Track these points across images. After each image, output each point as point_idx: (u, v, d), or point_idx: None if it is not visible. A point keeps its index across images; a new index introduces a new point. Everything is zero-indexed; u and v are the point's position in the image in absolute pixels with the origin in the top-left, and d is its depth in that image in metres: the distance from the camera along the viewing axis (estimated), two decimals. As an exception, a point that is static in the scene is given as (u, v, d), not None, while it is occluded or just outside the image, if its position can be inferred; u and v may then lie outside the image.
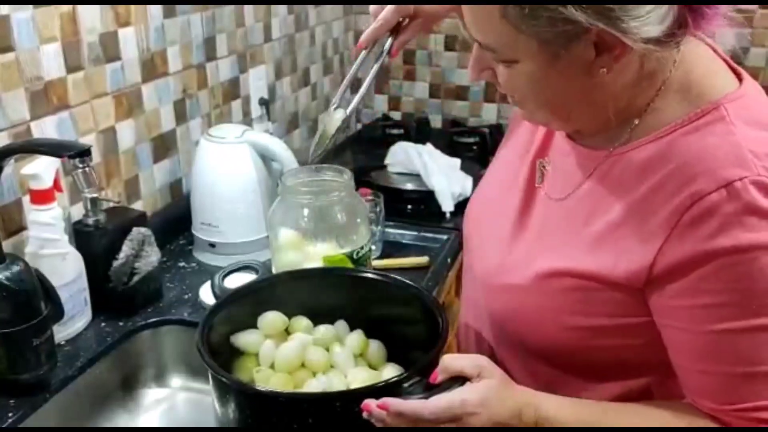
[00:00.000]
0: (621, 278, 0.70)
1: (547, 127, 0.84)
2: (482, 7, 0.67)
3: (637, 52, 0.65)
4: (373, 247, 1.36)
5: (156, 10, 1.34)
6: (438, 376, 0.71)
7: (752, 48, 1.94)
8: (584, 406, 0.73)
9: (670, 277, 0.67)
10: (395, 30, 0.93)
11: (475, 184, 1.66)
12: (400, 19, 0.92)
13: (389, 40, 0.92)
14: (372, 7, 0.93)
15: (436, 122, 2.31)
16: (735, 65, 0.74)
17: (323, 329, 0.92)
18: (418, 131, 2.18)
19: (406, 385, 0.71)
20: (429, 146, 1.82)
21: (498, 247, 0.84)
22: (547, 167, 0.83)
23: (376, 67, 0.94)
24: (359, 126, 2.31)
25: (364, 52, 0.94)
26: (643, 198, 0.69)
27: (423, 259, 1.38)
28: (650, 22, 0.61)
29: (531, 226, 0.82)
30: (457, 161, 1.77)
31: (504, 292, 0.81)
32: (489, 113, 2.25)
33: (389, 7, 0.90)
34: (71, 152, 0.91)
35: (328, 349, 0.89)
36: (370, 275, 0.96)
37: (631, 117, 0.72)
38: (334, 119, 0.96)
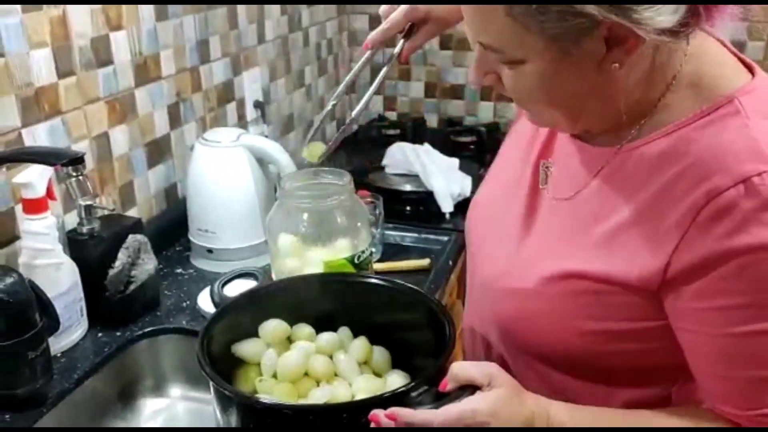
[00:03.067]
0: (635, 280, 0.68)
1: (555, 129, 0.81)
2: (486, 8, 0.64)
3: (648, 45, 0.63)
4: (374, 250, 1.34)
5: (148, 13, 1.32)
6: (447, 384, 0.69)
7: (749, 42, 1.93)
8: (598, 413, 0.71)
9: (686, 278, 0.65)
10: (407, 33, 0.91)
11: (474, 183, 1.65)
12: (411, 24, 0.90)
13: (400, 43, 0.90)
14: (382, 8, 0.90)
15: (432, 122, 2.29)
16: (746, 58, 0.72)
17: (326, 337, 0.90)
18: (415, 131, 2.16)
19: (414, 394, 0.69)
20: (427, 146, 1.81)
21: (503, 250, 0.82)
22: (551, 168, 0.81)
23: (384, 70, 0.92)
24: (355, 127, 2.29)
25: (369, 53, 0.92)
26: (656, 196, 0.67)
27: (424, 262, 1.36)
28: (664, 12, 0.59)
29: (536, 228, 0.80)
30: (456, 161, 1.75)
31: (511, 297, 0.79)
32: (485, 112, 2.24)
33: (400, 10, 0.88)
34: (64, 160, 0.89)
35: (331, 357, 0.87)
36: (372, 280, 0.94)
37: (642, 113, 0.70)
38: (313, 152, 0.94)
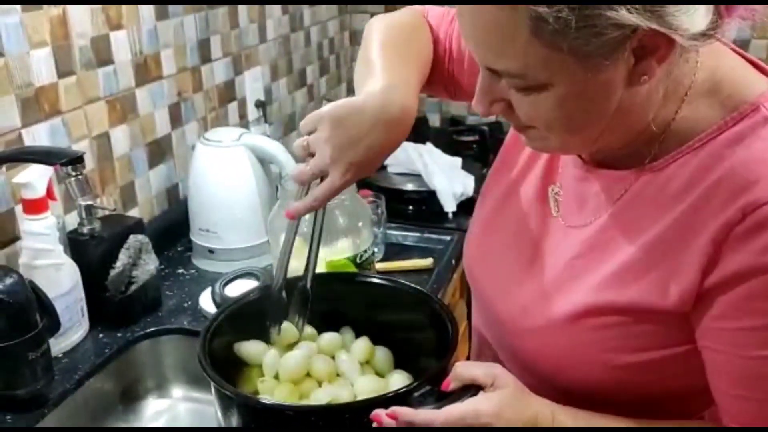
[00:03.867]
0: (671, 305, 0.64)
1: (562, 153, 0.76)
2: (506, 27, 0.58)
3: (674, 57, 0.60)
4: (376, 250, 1.33)
5: (148, 12, 1.32)
6: (450, 384, 0.68)
7: (753, 40, 1.92)
8: (602, 418, 0.69)
9: (716, 293, 0.62)
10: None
11: (477, 183, 1.64)
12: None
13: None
14: (294, 172, 0.79)
15: (434, 121, 2.28)
16: (757, 61, 0.69)
17: (328, 337, 0.89)
18: (417, 130, 2.14)
19: (416, 394, 0.68)
20: (429, 146, 1.80)
21: (517, 287, 0.77)
22: (560, 194, 0.77)
23: (315, 239, 0.83)
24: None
25: (295, 222, 0.82)
26: (686, 214, 0.64)
27: (427, 261, 1.35)
28: (698, 15, 0.57)
29: (551, 259, 0.75)
30: (458, 160, 1.75)
31: (533, 336, 0.74)
32: (488, 111, 2.23)
33: (327, 188, 0.76)
34: (63, 160, 0.88)
35: (333, 357, 0.87)
36: (375, 280, 0.93)
37: (659, 129, 0.66)
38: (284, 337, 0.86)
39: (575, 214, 0.74)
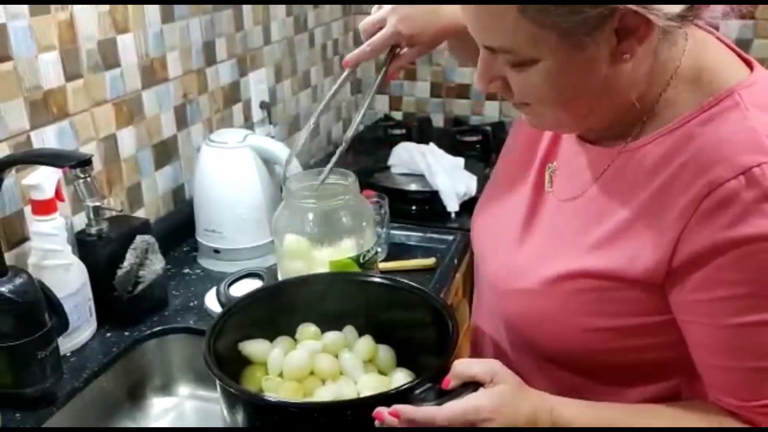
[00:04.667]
0: (639, 275, 0.68)
1: (558, 131, 0.82)
2: (496, 8, 0.63)
3: (653, 38, 0.64)
4: (379, 250, 1.35)
5: (154, 15, 1.33)
6: (450, 382, 0.69)
7: (755, 39, 1.92)
8: (603, 408, 0.71)
9: (688, 269, 0.65)
10: (390, 52, 0.90)
11: (480, 183, 1.65)
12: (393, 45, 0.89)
13: (385, 64, 0.89)
14: (363, 23, 0.89)
15: (438, 121, 2.29)
16: (744, 54, 0.73)
17: (331, 336, 0.90)
18: (420, 131, 2.16)
19: (417, 391, 0.69)
20: (432, 146, 1.81)
21: (507, 252, 0.82)
22: (555, 171, 0.82)
23: (373, 89, 0.90)
24: (361, 127, 2.30)
25: (348, 70, 0.91)
26: (658, 191, 0.68)
27: (429, 261, 1.36)
28: None
29: (540, 229, 0.80)
30: (461, 160, 1.76)
31: (517, 297, 0.79)
32: (491, 111, 2.24)
33: (382, 33, 0.86)
34: (72, 162, 0.90)
35: (336, 356, 0.88)
36: (377, 279, 0.95)
37: (644, 110, 0.71)
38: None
39: (566, 187, 0.79)
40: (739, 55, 0.72)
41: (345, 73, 0.91)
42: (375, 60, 0.93)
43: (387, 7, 0.87)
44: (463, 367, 0.69)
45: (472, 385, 0.68)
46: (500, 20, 0.64)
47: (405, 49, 0.91)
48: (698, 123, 0.67)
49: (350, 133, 0.93)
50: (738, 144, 0.64)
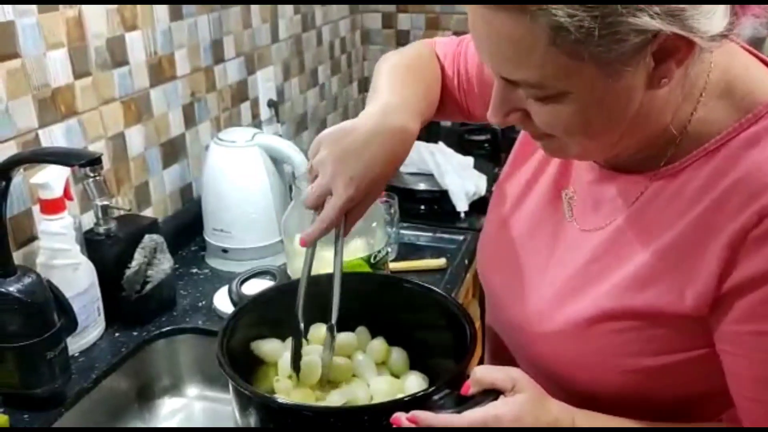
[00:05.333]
0: (688, 309, 0.64)
1: (580, 160, 0.75)
2: (523, 37, 0.57)
3: (693, 59, 0.60)
4: (389, 249, 1.34)
5: (162, 13, 1.32)
6: (470, 388, 0.67)
7: None
8: (627, 423, 0.69)
9: (733, 298, 0.62)
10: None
11: (489, 182, 1.64)
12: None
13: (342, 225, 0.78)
14: (306, 200, 0.77)
15: (445, 120, 2.27)
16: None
17: (344, 337, 0.89)
18: (428, 129, 2.13)
19: (436, 397, 0.68)
20: (441, 145, 1.80)
21: (532, 291, 0.76)
22: (574, 198, 0.77)
23: (339, 257, 0.81)
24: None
25: (310, 250, 0.81)
26: (701, 218, 0.63)
27: (440, 261, 1.35)
28: (718, 15, 0.57)
29: (565, 263, 0.74)
30: (470, 160, 1.74)
31: (548, 341, 0.74)
32: (499, 110, 2.22)
33: (333, 206, 0.74)
34: (82, 161, 0.89)
35: (349, 357, 0.87)
36: (390, 280, 0.93)
37: (675, 132, 0.66)
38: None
39: (590, 217, 0.74)
40: (765, 62, 0.68)
41: (309, 252, 0.81)
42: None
43: (323, 174, 0.75)
44: (484, 373, 0.67)
45: (492, 392, 0.66)
46: (528, 53, 0.57)
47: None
48: (741, 144, 0.63)
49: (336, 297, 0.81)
50: None
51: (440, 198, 1.62)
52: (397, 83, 0.84)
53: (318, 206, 0.76)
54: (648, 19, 0.54)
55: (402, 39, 2.22)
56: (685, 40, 0.57)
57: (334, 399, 0.81)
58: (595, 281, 0.70)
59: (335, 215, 0.74)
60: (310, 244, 0.79)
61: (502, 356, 0.86)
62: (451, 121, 1.00)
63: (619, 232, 0.70)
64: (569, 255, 0.75)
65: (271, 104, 1.71)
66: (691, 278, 0.64)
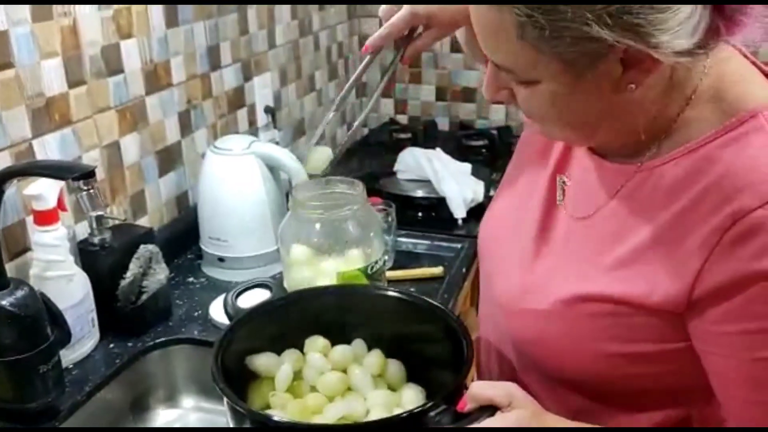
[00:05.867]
0: (658, 304, 0.65)
1: (566, 143, 0.79)
2: (497, 27, 0.62)
3: (664, 68, 0.61)
4: (387, 258, 1.33)
5: (158, 20, 1.31)
6: (467, 404, 0.67)
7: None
8: None
9: (711, 301, 0.63)
10: (407, 36, 0.89)
11: (487, 188, 1.63)
12: (412, 28, 0.88)
13: (401, 48, 0.89)
14: (382, 9, 0.88)
15: (443, 125, 2.27)
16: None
17: (340, 350, 0.88)
18: (426, 135, 2.15)
19: (432, 414, 0.67)
20: (439, 151, 1.79)
21: (518, 269, 0.79)
22: (567, 183, 0.79)
23: (387, 75, 0.91)
24: (366, 131, 2.28)
25: (369, 56, 0.91)
26: (678, 216, 0.65)
27: (437, 270, 1.34)
28: (681, 35, 0.57)
29: (553, 246, 0.77)
30: (468, 166, 1.74)
31: (527, 318, 0.76)
32: (497, 115, 2.22)
33: (400, 14, 0.85)
34: (75, 174, 0.88)
35: (345, 371, 0.86)
36: (388, 293, 0.92)
37: (661, 129, 0.68)
38: (317, 157, 0.93)
39: (579, 204, 0.76)
40: (765, 73, 0.69)
41: (366, 59, 0.91)
42: (380, 65, 0.92)
43: None
44: (480, 389, 0.67)
45: (488, 408, 0.66)
46: (502, 42, 0.63)
47: (422, 33, 0.89)
48: (719, 145, 0.64)
49: (366, 111, 0.95)
50: (763, 171, 0.61)
51: (438, 205, 1.61)
52: None
53: (389, 17, 0.86)
54: (598, 30, 0.56)
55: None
56: (649, 54, 0.58)
57: (331, 413, 0.80)
58: (579, 266, 0.73)
59: (400, 21, 0.84)
60: (373, 49, 0.88)
61: (492, 369, 0.86)
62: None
63: (603, 219, 0.73)
64: (556, 239, 0.77)
65: (268, 110, 1.70)
66: (664, 275, 0.65)
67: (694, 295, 0.63)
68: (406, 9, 0.85)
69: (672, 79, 0.65)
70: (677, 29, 0.57)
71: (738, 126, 0.64)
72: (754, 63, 0.69)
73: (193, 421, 1.17)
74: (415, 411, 0.68)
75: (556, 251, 0.77)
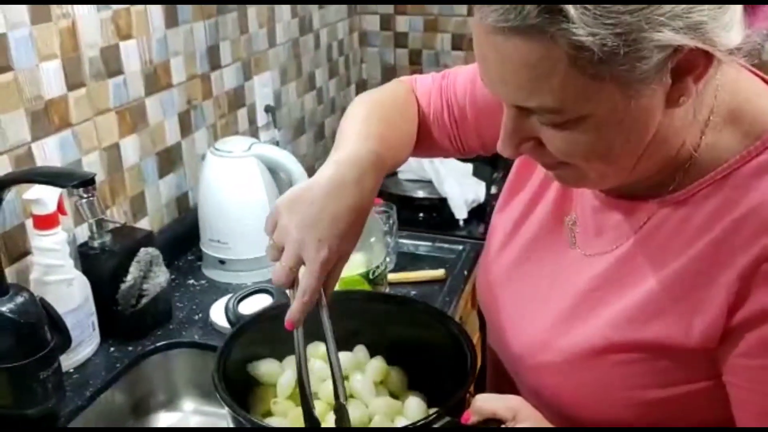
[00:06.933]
0: (696, 342, 0.63)
1: (596, 188, 0.72)
2: (539, 62, 0.54)
3: (710, 75, 0.59)
4: (388, 260, 1.32)
5: (158, 20, 1.30)
6: (470, 417, 0.66)
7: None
8: None
9: (744, 331, 0.60)
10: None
11: (488, 188, 1.63)
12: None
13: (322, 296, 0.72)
14: (277, 277, 0.69)
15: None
16: None
17: (342, 356, 0.87)
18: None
19: (436, 426, 0.67)
20: (439, 151, 1.78)
21: (535, 319, 0.75)
22: (577, 225, 0.75)
23: (329, 325, 0.74)
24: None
25: (298, 331, 0.73)
26: (710, 249, 0.62)
27: (439, 272, 1.34)
28: (736, 28, 0.55)
29: (570, 291, 0.73)
30: (470, 166, 1.73)
31: (552, 372, 0.72)
32: (498, 113, 2.21)
33: (308, 274, 0.68)
34: (74, 182, 0.87)
35: (347, 377, 0.86)
36: (390, 299, 0.92)
37: (684, 157, 0.65)
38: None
39: (594, 246, 0.73)
40: (766, 82, 0.67)
41: (299, 334, 0.73)
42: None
43: (289, 244, 0.68)
44: (484, 402, 0.66)
45: (493, 422, 0.65)
46: (546, 78, 0.55)
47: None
48: (750, 173, 0.62)
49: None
50: None
51: (439, 205, 1.60)
52: (362, 130, 0.78)
53: (291, 282, 0.69)
54: (671, 34, 0.53)
55: (400, 41, 2.20)
56: (703, 55, 0.56)
57: (333, 420, 0.80)
58: (599, 311, 0.69)
59: (315, 283, 0.67)
60: (299, 324, 0.70)
61: (505, 379, 0.85)
62: (443, 156, 0.93)
63: (623, 260, 0.69)
64: (571, 283, 0.73)
65: (269, 109, 1.69)
66: (699, 310, 0.62)
67: (730, 326, 0.61)
68: (315, 265, 0.67)
69: (698, 97, 0.61)
70: (730, 23, 0.55)
71: (764, 150, 0.62)
72: (756, 74, 0.68)
73: (193, 424, 1.17)
74: (419, 423, 0.68)
75: (571, 297, 0.72)
